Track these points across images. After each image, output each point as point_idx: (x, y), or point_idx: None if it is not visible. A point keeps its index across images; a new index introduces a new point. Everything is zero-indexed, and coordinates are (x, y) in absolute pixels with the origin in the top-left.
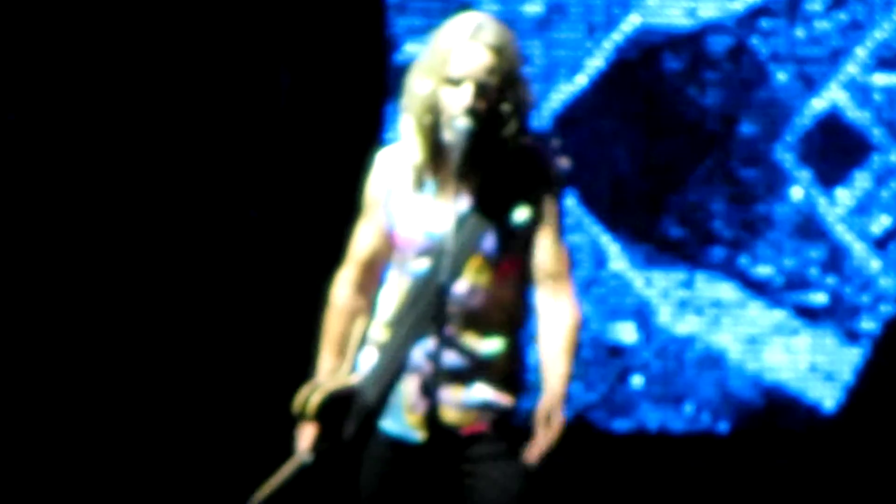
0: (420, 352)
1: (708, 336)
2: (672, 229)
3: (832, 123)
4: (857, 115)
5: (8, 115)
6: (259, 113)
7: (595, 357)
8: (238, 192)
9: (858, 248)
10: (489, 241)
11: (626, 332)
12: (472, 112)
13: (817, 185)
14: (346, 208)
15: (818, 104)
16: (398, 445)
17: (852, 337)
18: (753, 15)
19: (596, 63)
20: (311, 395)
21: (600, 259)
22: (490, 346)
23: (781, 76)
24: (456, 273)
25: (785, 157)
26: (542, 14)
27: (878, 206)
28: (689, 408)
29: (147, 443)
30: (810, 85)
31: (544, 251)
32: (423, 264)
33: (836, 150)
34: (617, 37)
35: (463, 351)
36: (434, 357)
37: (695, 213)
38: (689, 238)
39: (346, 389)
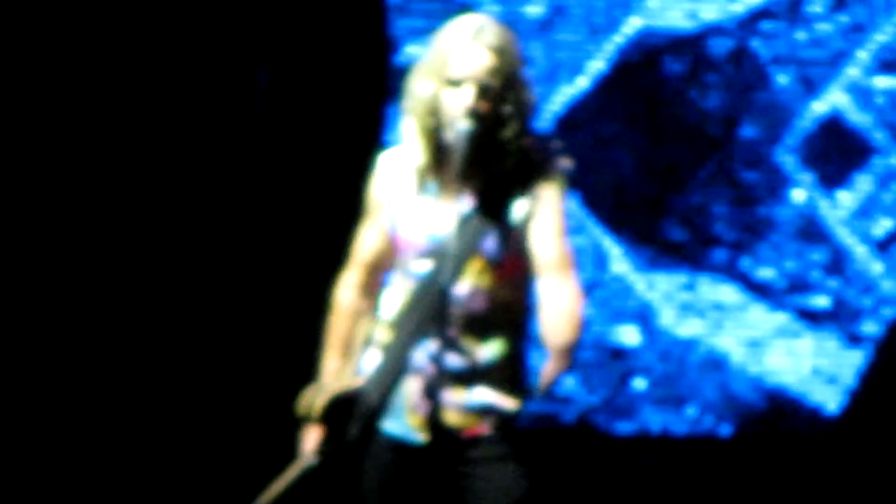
0: (422, 353)
1: (710, 339)
2: (674, 232)
3: (834, 126)
4: (858, 117)
5: None
6: (246, 114)
7: (597, 360)
8: (237, 193)
9: (860, 252)
10: (490, 243)
11: (628, 335)
12: (474, 113)
13: (819, 188)
14: (348, 210)
15: (819, 107)
16: (399, 447)
17: (854, 340)
18: (755, 17)
19: (597, 65)
20: (316, 398)
21: (602, 262)
22: (492, 348)
23: (783, 79)
24: (457, 275)
25: (786, 159)
26: (543, 16)
27: (879, 209)
28: (691, 411)
29: (151, 447)
30: (812, 87)
31: (546, 243)
32: (425, 266)
33: (837, 152)
34: (618, 39)
35: (464, 353)
36: (435, 359)
37: (696, 216)
38: (690, 241)
39: (350, 391)
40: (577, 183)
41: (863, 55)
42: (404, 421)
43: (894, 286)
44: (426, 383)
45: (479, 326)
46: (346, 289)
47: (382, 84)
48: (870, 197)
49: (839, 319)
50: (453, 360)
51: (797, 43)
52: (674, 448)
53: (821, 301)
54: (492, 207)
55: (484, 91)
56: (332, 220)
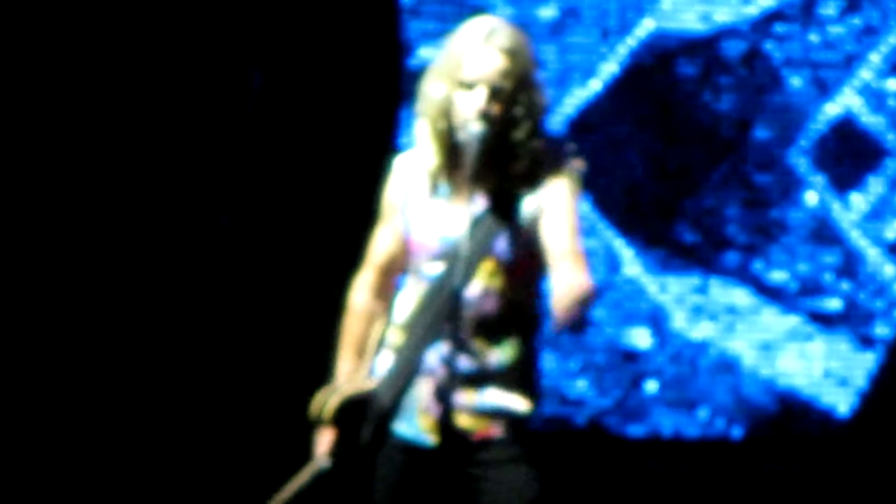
0: (434, 355)
1: (722, 341)
2: (686, 234)
3: (846, 128)
4: (871, 120)
5: None
6: (247, 116)
7: (609, 362)
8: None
9: (873, 254)
10: (502, 244)
11: (640, 338)
12: (486, 116)
13: (831, 191)
14: (360, 212)
15: (832, 109)
16: (411, 449)
17: (866, 342)
18: (768, 20)
19: (610, 68)
20: (328, 400)
21: (614, 264)
22: (503, 350)
23: (796, 81)
24: (469, 277)
25: (799, 162)
26: (556, 18)
27: (892, 212)
28: (703, 413)
29: (164, 450)
30: (824, 90)
31: (558, 236)
32: (437, 268)
33: (850, 155)
34: (631, 41)
35: (476, 355)
36: (447, 361)
37: (709, 219)
38: (703, 243)
39: (362, 394)
40: (589, 185)
41: (875, 58)
42: (416, 423)
43: None
44: (437, 386)
45: (491, 328)
46: (360, 291)
47: (396, 87)
48: (882, 199)
49: (851, 322)
50: (465, 363)
51: (810, 45)
52: (685, 450)
53: (833, 304)
54: (503, 208)
55: (496, 93)
56: (344, 222)
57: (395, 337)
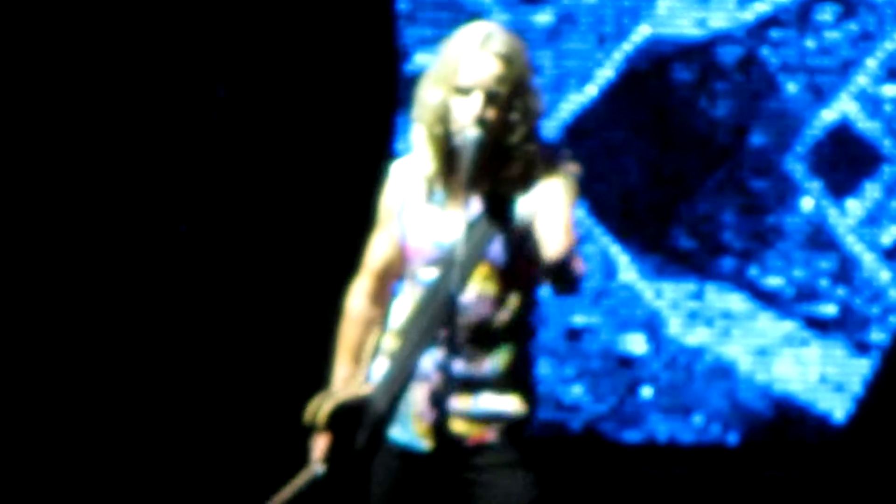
0: (429, 361)
1: (718, 347)
2: (682, 240)
3: (842, 134)
4: (867, 125)
5: None
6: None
7: (605, 368)
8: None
9: (868, 259)
10: (496, 249)
11: (635, 344)
12: (482, 121)
13: (828, 196)
14: (360, 217)
15: (828, 115)
16: (405, 454)
17: (862, 348)
18: (763, 25)
19: (606, 73)
20: (322, 406)
21: (610, 270)
22: (498, 355)
23: (792, 87)
24: (465, 282)
25: (795, 167)
26: (552, 24)
27: (888, 217)
28: (698, 419)
29: (159, 460)
30: (821, 96)
31: (553, 232)
32: (433, 274)
33: (846, 160)
34: (627, 47)
35: (470, 360)
36: (442, 367)
37: (705, 224)
38: (699, 249)
39: (357, 399)
40: (585, 191)
41: (872, 63)
42: (410, 428)
43: None
44: (432, 391)
45: (486, 333)
46: (357, 296)
47: (392, 92)
48: (878, 205)
49: (847, 327)
50: (459, 368)
51: (806, 51)
52: (681, 456)
53: (828, 309)
54: (498, 213)
55: (492, 99)
56: (341, 227)
57: (391, 343)
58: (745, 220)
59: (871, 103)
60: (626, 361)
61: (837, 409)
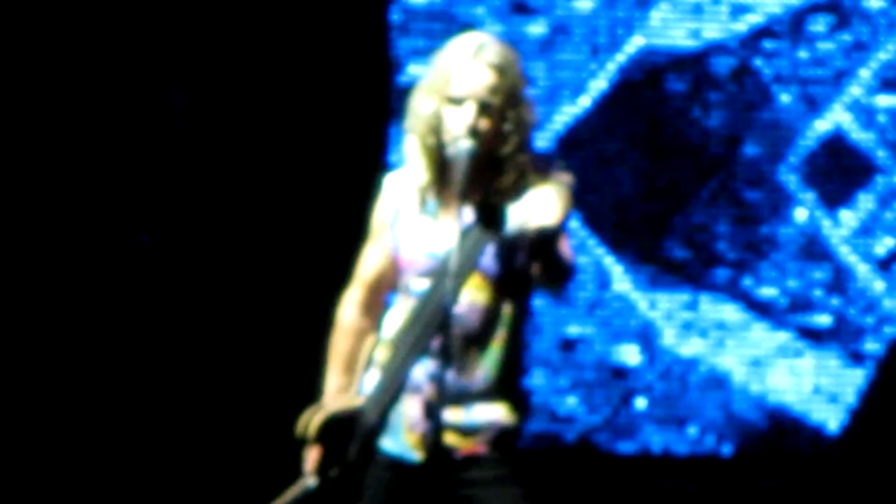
0: (421, 371)
1: (712, 358)
2: (676, 251)
3: (836, 145)
4: (860, 136)
5: None
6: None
7: (599, 379)
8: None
9: (862, 270)
10: (488, 258)
11: (629, 354)
12: (474, 131)
13: (821, 207)
14: (352, 228)
15: (822, 125)
16: (397, 465)
17: (856, 359)
18: (757, 36)
19: (599, 84)
20: (313, 418)
21: (604, 281)
22: (489, 366)
23: (785, 97)
24: (457, 292)
25: (789, 178)
26: (545, 35)
27: (882, 228)
28: (692, 430)
29: (146, 474)
30: (814, 106)
31: (545, 204)
32: (425, 285)
33: (839, 171)
34: (620, 58)
35: (462, 370)
36: (433, 378)
37: (699, 235)
38: (693, 260)
39: (348, 411)
40: (578, 202)
41: (865, 74)
42: (401, 439)
43: None
44: (426, 402)
45: (477, 343)
46: (348, 307)
47: (384, 104)
48: (872, 215)
49: (841, 338)
50: (451, 378)
51: (799, 61)
52: (675, 467)
53: (822, 320)
54: (490, 222)
55: (485, 108)
56: (333, 239)
57: (383, 355)
58: (739, 231)
59: (865, 114)
60: (621, 372)
61: (832, 419)
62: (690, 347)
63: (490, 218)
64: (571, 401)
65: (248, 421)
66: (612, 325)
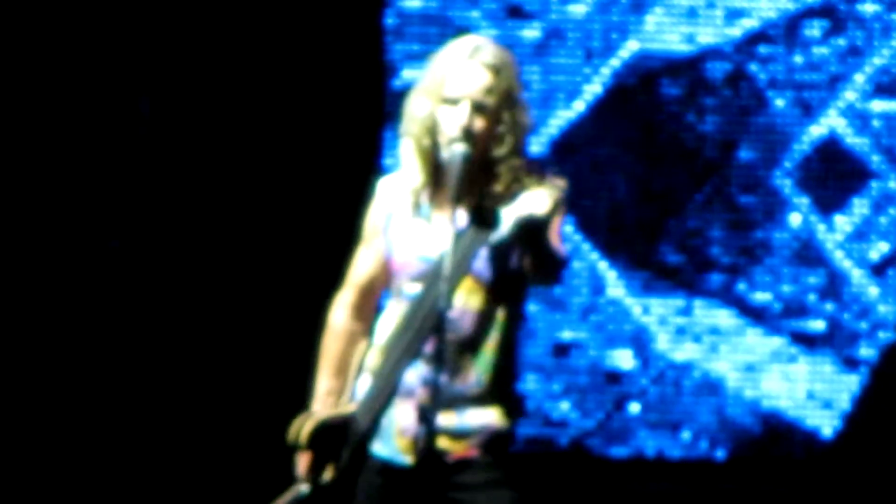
0: (413, 375)
1: (706, 363)
2: (670, 256)
3: (831, 150)
4: (855, 141)
5: None
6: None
7: (592, 384)
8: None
9: (857, 275)
10: (481, 262)
11: (623, 359)
12: (469, 132)
13: (816, 212)
14: (347, 231)
15: (817, 130)
16: (387, 469)
17: (850, 364)
18: (752, 41)
19: (594, 89)
20: (305, 425)
21: (598, 286)
22: (482, 370)
23: (780, 102)
24: (451, 296)
25: (783, 183)
26: (539, 39)
27: (876, 233)
28: (686, 435)
29: (135, 480)
30: (809, 111)
31: (538, 195)
32: (418, 288)
33: (834, 176)
34: (615, 62)
35: (455, 375)
36: (429, 382)
37: (693, 240)
38: (687, 265)
39: (339, 417)
40: (572, 207)
41: (860, 78)
42: (392, 443)
43: (890, 310)
44: (417, 406)
45: (470, 347)
46: (340, 309)
47: (379, 108)
48: (867, 220)
49: (835, 343)
50: (443, 383)
51: (794, 66)
52: (669, 472)
53: (817, 325)
54: (483, 226)
55: (480, 109)
56: (326, 242)
57: (375, 359)
58: (733, 236)
59: (860, 119)
60: (614, 377)
61: (825, 425)
62: (684, 352)
63: (483, 222)
64: (565, 405)
65: (238, 427)
66: (606, 329)
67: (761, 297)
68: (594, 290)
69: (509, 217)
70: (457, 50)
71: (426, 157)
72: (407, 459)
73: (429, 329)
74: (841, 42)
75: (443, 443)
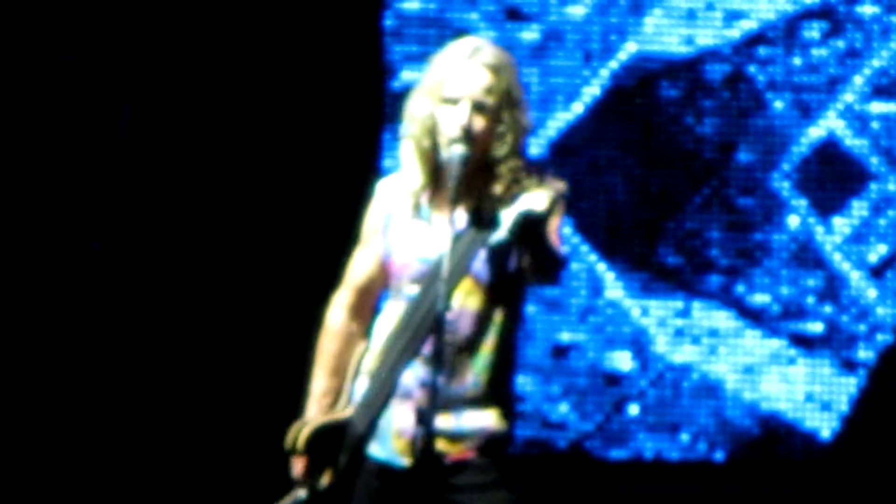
0: (410, 377)
1: (704, 365)
2: (669, 257)
3: (829, 151)
4: (854, 143)
5: None
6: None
7: (591, 386)
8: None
9: (855, 277)
10: (479, 263)
11: (622, 361)
12: (468, 133)
13: (814, 214)
14: (346, 232)
15: (815, 132)
16: (385, 471)
17: (849, 366)
18: (750, 42)
19: (592, 91)
20: (301, 430)
21: (597, 287)
22: (481, 371)
23: (779, 104)
24: (449, 297)
25: (782, 185)
26: (538, 41)
27: (875, 235)
28: (685, 436)
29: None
30: (807, 113)
31: (538, 194)
32: (417, 290)
33: (833, 178)
34: (613, 64)
35: (453, 376)
36: (427, 383)
37: (691, 242)
38: (685, 266)
39: (335, 422)
40: (571, 208)
41: (859, 80)
42: (390, 445)
43: (888, 312)
44: (418, 408)
45: (468, 349)
46: (337, 309)
47: (378, 109)
48: (865, 222)
49: (833, 345)
50: (441, 384)
51: (793, 68)
52: (667, 474)
53: (815, 327)
54: (482, 228)
55: (479, 108)
56: (324, 243)
57: (373, 361)
58: (732, 238)
59: (859, 120)
60: (613, 379)
61: (824, 427)
62: (683, 354)
63: (483, 224)
64: (563, 407)
65: (233, 431)
66: (605, 331)
67: (760, 298)
68: (593, 292)
69: (509, 218)
70: (457, 50)
71: (426, 158)
72: (404, 461)
73: (427, 330)
74: (840, 44)
75: (440, 445)
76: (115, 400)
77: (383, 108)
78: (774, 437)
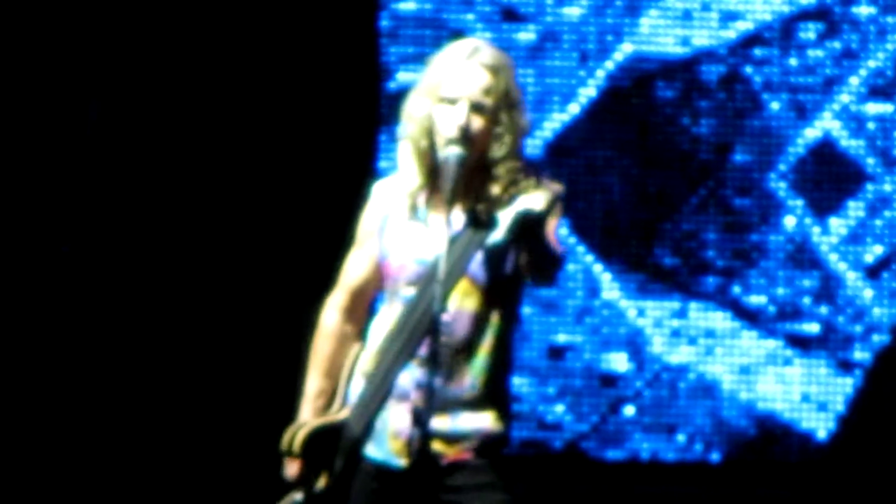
0: (407, 378)
1: (701, 366)
2: (665, 258)
3: (825, 152)
4: (850, 143)
5: None
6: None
7: (587, 386)
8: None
9: (851, 278)
10: (476, 265)
11: (618, 362)
12: (466, 133)
13: (811, 214)
14: (341, 233)
15: (811, 133)
16: (381, 472)
17: (845, 367)
18: (747, 43)
19: (589, 92)
20: (297, 432)
21: (593, 288)
22: (477, 372)
23: (775, 105)
24: (446, 299)
25: (778, 185)
26: (534, 42)
27: (871, 236)
28: (681, 437)
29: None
30: (804, 114)
31: (536, 194)
32: (414, 292)
33: (829, 179)
34: (610, 65)
35: (449, 378)
36: (423, 385)
37: (688, 242)
38: (682, 267)
39: (331, 424)
40: (567, 209)
41: (855, 81)
42: (386, 446)
43: (884, 312)
44: (414, 409)
45: (465, 350)
46: (331, 311)
47: (374, 110)
48: (861, 223)
49: (829, 346)
50: (437, 385)
51: (789, 69)
52: (664, 474)
53: (811, 327)
54: (480, 229)
55: (477, 109)
56: (320, 245)
57: (369, 363)
58: (728, 239)
59: (855, 121)
60: (609, 380)
61: (820, 427)
62: (679, 355)
63: (480, 225)
64: (559, 408)
65: (226, 434)
66: (601, 332)
67: (756, 299)
68: (589, 293)
69: (507, 219)
70: (455, 51)
71: (423, 158)
72: (401, 462)
73: (423, 332)
74: (836, 45)
75: (436, 446)
76: (94, 405)
77: (379, 109)
78: (771, 437)
